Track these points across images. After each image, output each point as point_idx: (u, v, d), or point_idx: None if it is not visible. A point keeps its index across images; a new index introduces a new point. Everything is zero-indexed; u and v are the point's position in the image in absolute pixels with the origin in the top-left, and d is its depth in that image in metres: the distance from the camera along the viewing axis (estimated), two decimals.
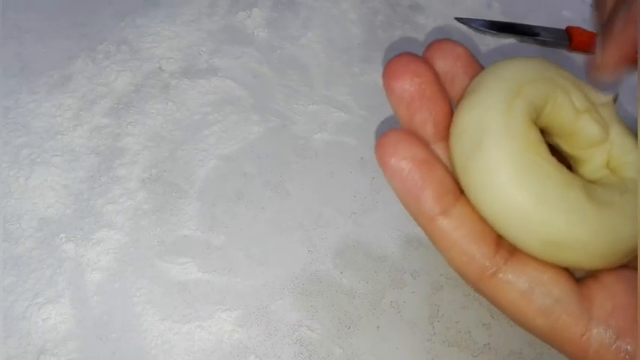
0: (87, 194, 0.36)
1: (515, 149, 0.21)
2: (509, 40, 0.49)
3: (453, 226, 0.22)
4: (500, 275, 0.22)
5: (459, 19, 0.49)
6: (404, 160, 0.21)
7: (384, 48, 0.47)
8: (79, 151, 0.38)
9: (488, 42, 0.48)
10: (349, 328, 0.33)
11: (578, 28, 0.48)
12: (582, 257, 0.21)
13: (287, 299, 0.34)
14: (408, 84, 0.22)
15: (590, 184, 0.22)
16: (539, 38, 0.48)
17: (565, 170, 0.22)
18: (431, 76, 0.22)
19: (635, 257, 0.22)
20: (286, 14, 0.48)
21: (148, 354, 0.31)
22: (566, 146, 0.24)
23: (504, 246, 0.22)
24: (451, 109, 0.23)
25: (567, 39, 0.48)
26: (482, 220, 0.22)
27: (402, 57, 0.22)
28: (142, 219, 0.36)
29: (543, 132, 0.23)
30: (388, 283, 0.35)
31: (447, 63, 0.23)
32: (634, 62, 0.23)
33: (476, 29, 0.48)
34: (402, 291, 0.35)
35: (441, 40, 0.24)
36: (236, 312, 0.33)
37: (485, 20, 0.49)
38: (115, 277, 0.34)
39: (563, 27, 0.49)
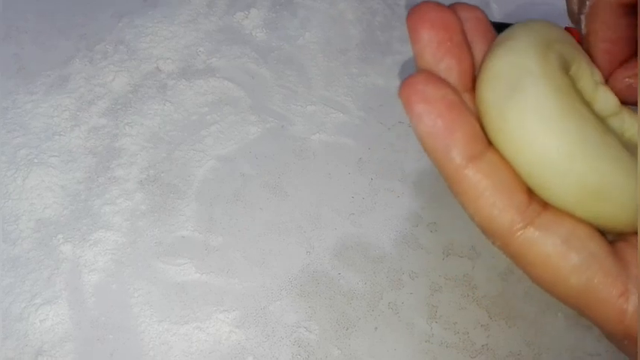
0: (84, 195, 0.36)
1: (555, 91, 0.20)
2: None
3: (484, 174, 0.20)
4: (532, 229, 0.20)
5: None
6: (433, 99, 0.20)
7: (383, 49, 0.47)
8: (77, 151, 0.38)
9: None
10: (347, 329, 0.33)
11: (577, 29, 0.48)
12: (620, 208, 0.21)
13: (285, 300, 0.34)
14: (436, 29, 0.21)
15: (620, 136, 0.22)
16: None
17: (599, 119, 0.21)
18: (458, 24, 0.21)
19: None
20: (284, 15, 0.48)
21: (146, 355, 0.31)
22: None
23: (536, 199, 0.21)
24: (474, 62, 0.22)
25: None
26: (514, 172, 0.21)
27: (429, 3, 0.21)
28: (139, 220, 0.36)
29: None
30: (386, 284, 0.35)
31: (467, 25, 0.22)
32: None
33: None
34: (400, 292, 0.35)
35: (462, 2, 0.22)
36: (234, 313, 0.33)
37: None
38: (113, 278, 0.34)
39: (562, 27, 0.49)
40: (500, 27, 0.48)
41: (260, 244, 0.36)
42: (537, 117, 0.20)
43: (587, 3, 0.21)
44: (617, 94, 0.22)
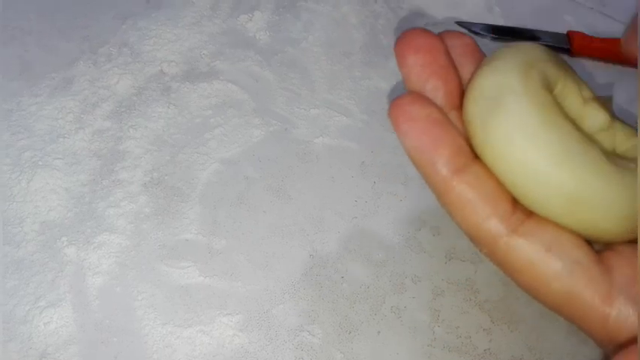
0: (88, 197, 0.37)
1: (536, 107, 0.21)
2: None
3: (468, 185, 0.21)
4: (516, 236, 0.21)
5: (459, 23, 0.49)
6: (419, 118, 0.21)
7: (386, 52, 0.47)
8: (81, 154, 0.38)
9: (489, 46, 0.48)
10: (350, 333, 0.34)
11: (579, 32, 0.48)
12: (602, 217, 0.21)
13: (288, 304, 0.34)
14: (421, 53, 0.22)
15: (602, 147, 0.23)
16: (540, 42, 0.48)
17: (582, 132, 0.22)
18: (443, 48, 0.22)
19: None
20: (287, 18, 0.48)
21: (150, 358, 0.32)
22: None
23: (520, 208, 0.22)
24: (461, 82, 0.23)
25: (568, 43, 0.48)
26: (498, 182, 0.21)
27: (415, 30, 0.22)
28: (143, 223, 0.36)
29: None
30: (389, 287, 0.35)
31: (455, 51, 0.23)
32: None
33: (477, 33, 0.49)
34: (403, 296, 0.35)
35: (450, 31, 0.24)
36: (237, 316, 0.33)
37: (486, 24, 0.49)
38: (117, 280, 0.34)
39: (564, 31, 0.49)
40: (501, 32, 0.48)
41: (263, 247, 0.36)
42: (519, 130, 0.21)
43: None
44: None
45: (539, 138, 0.21)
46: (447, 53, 0.23)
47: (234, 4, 0.48)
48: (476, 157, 0.22)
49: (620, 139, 0.24)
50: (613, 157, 0.23)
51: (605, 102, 0.24)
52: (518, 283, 0.22)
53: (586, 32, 0.48)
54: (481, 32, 0.48)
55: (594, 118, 0.24)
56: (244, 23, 0.47)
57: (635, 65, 0.21)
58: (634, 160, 0.23)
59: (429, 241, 0.37)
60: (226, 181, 0.38)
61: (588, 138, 0.22)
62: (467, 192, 0.21)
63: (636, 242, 0.23)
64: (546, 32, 0.49)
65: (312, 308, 0.34)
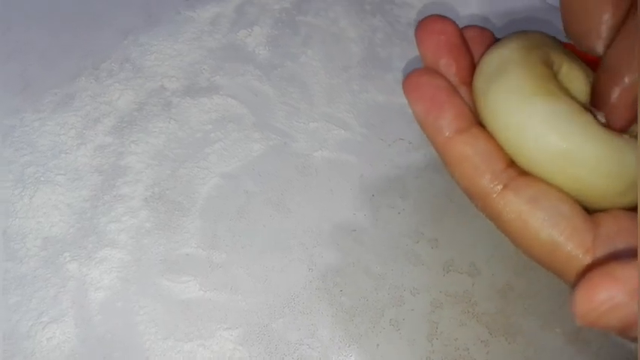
0: (90, 213, 0.37)
1: (533, 76, 0.23)
2: None
3: (467, 144, 0.23)
4: (506, 190, 0.23)
5: None
6: (427, 86, 0.24)
7: (384, 66, 0.48)
8: (83, 169, 0.39)
9: None
10: (349, 346, 0.34)
11: (573, 44, 0.49)
12: (590, 174, 0.22)
13: (288, 317, 0.34)
14: (437, 34, 0.25)
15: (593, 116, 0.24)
16: None
17: (577, 102, 0.23)
18: (457, 31, 0.25)
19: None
20: (286, 32, 0.49)
21: None
22: None
23: (515, 168, 0.23)
24: (473, 62, 0.25)
25: None
26: (496, 144, 0.24)
27: (433, 15, 0.25)
28: (144, 237, 0.36)
29: None
30: (388, 300, 0.36)
31: (472, 40, 0.26)
32: None
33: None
34: (401, 309, 0.36)
35: (470, 25, 0.27)
36: (237, 330, 0.34)
37: None
38: (118, 295, 0.34)
39: (557, 39, 0.50)
40: None
41: (263, 261, 0.36)
42: (515, 93, 0.23)
43: (621, 79, 0.23)
44: None
45: (532, 100, 0.22)
46: (462, 36, 0.25)
47: (233, 20, 0.49)
48: (478, 123, 0.24)
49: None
50: (606, 128, 0.23)
51: None
52: (509, 237, 0.24)
53: None
54: None
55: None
56: (244, 38, 0.48)
57: None
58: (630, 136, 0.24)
59: (427, 254, 0.38)
60: (226, 196, 0.39)
61: (581, 106, 0.23)
62: (465, 150, 0.23)
63: (632, 209, 0.24)
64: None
65: (312, 322, 0.34)
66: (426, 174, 0.41)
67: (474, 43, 0.26)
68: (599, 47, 0.24)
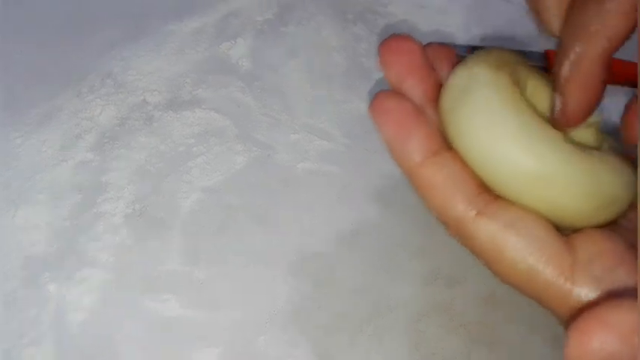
0: (71, 231, 0.37)
1: (501, 95, 0.22)
2: None
3: (437, 168, 0.23)
4: (481, 216, 0.22)
5: (438, 45, 0.49)
6: (394, 110, 0.23)
7: (367, 75, 0.48)
8: (64, 187, 0.39)
9: None
10: None
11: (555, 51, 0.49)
12: (563, 195, 0.22)
13: (269, 334, 0.34)
14: (400, 54, 0.24)
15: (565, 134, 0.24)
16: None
17: (543, 121, 0.23)
18: (420, 50, 0.24)
19: (614, 223, 0.23)
20: (269, 43, 0.49)
21: None
22: None
23: (487, 192, 0.23)
24: (439, 82, 0.25)
25: (546, 62, 0.49)
26: (466, 167, 0.23)
27: (397, 35, 0.24)
28: (125, 255, 0.36)
29: None
30: (369, 314, 0.36)
31: (436, 60, 0.25)
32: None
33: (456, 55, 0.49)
34: (384, 321, 0.35)
35: (432, 43, 0.26)
36: (219, 348, 0.33)
37: (464, 45, 0.49)
38: (98, 316, 0.34)
39: (542, 50, 0.50)
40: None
41: (245, 277, 0.36)
42: (483, 114, 0.22)
43: (576, 49, 0.22)
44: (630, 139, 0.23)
45: (501, 120, 0.22)
46: (425, 56, 0.25)
47: (216, 32, 0.49)
48: (448, 146, 0.24)
49: (600, 137, 0.25)
50: (579, 144, 0.23)
51: (594, 123, 0.25)
52: (486, 264, 0.23)
53: None
54: (460, 54, 0.49)
55: None
56: (227, 50, 0.48)
57: None
58: (603, 151, 0.24)
59: (409, 265, 0.37)
60: (208, 210, 0.39)
61: (550, 125, 0.23)
62: (436, 175, 0.23)
63: (603, 227, 0.23)
64: (524, 51, 0.49)
65: (293, 338, 0.34)
66: (409, 184, 0.41)
67: (437, 62, 0.25)
68: (555, 25, 0.24)
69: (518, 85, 0.24)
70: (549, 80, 0.25)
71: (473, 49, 0.49)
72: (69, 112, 0.43)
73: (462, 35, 0.51)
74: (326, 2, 0.52)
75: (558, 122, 0.24)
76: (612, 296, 0.20)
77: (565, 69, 0.22)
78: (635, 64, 0.47)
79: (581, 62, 0.22)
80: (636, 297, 0.19)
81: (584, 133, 0.25)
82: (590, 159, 0.22)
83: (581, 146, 0.23)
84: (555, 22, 0.23)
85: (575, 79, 0.22)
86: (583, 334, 0.19)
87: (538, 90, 0.24)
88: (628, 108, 0.24)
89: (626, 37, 0.22)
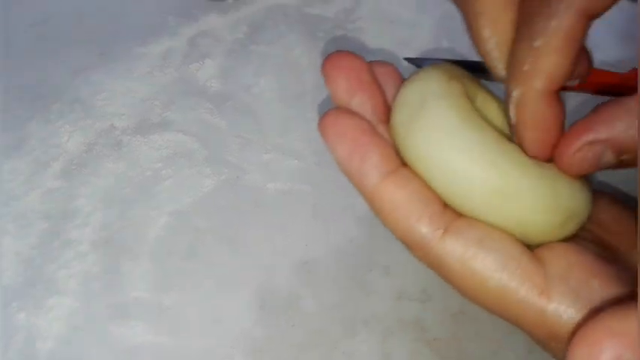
0: (38, 260, 0.37)
1: (455, 110, 0.22)
2: None
3: (397, 187, 0.22)
4: (447, 235, 0.21)
5: (408, 60, 0.50)
6: (346, 128, 0.22)
7: None
8: (31, 216, 0.39)
9: None
10: None
11: None
12: (527, 209, 0.22)
13: (238, 358, 0.34)
14: (347, 71, 0.23)
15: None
16: (488, 75, 0.49)
17: (498, 135, 0.23)
18: (367, 67, 0.24)
19: (575, 236, 0.23)
20: (239, 63, 0.49)
21: None
22: None
23: (450, 210, 0.22)
24: (387, 99, 0.24)
25: None
26: (427, 185, 0.22)
27: (341, 52, 0.24)
28: (92, 283, 0.36)
29: None
30: (340, 332, 0.36)
31: (380, 77, 0.25)
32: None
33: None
34: (354, 340, 0.35)
35: (374, 61, 0.26)
36: None
37: (434, 59, 0.50)
38: (66, 345, 0.34)
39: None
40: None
41: (214, 301, 0.36)
42: (439, 130, 0.22)
43: (514, 94, 0.22)
44: (569, 169, 0.23)
45: (459, 137, 0.22)
46: (372, 72, 0.24)
47: (185, 53, 0.49)
48: (404, 164, 0.23)
49: None
50: (536, 160, 0.23)
51: None
52: (455, 286, 0.23)
53: None
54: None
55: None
56: (195, 71, 0.48)
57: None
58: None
59: (380, 282, 0.38)
60: (176, 234, 0.39)
61: (508, 138, 0.23)
62: (396, 195, 0.22)
63: (567, 241, 0.23)
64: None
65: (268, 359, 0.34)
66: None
67: (381, 80, 0.25)
68: (500, 68, 0.23)
69: (469, 99, 0.24)
70: (493, 94, 0.25)
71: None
72: (37, 140, 0.43)
73: (433, 49, 0.52)
74: (296, 20, 0.52)
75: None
76: (616, 303, 0.20)
77: (511, 112, 0.22)
78: (614, 74, 0.48)
79: (524, 104, 0.21)
80: (634, 303, 0.19)
81: None
82: (550, 172, 0.22)
83: (539, 161, 0.23)
84: (500, 64, 0.23)
85: (523, 121, 0.22)
86: (592, 345, 0.18)
87: (487, 102, 0.24)
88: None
89: (568, 70, 0.21)
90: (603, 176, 0.38)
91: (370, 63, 0.25)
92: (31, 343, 0.34)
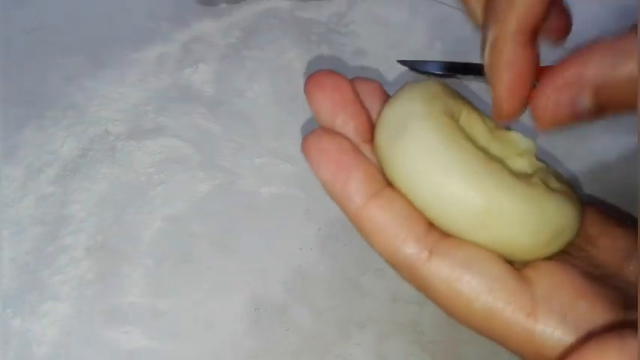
0: (33, 266, 0.37)
1: (439, 129, 0.22)
2: (451, 80, 0.50)
3: (382, 208, 0.22)
4: (433, 257, 0.21)
5: (402, 62, 0.50)
6: (329, 149, 0.22)
7: None
8: (25, 222, 0.39)
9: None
10: None
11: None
12: (513, 230, 0.21)
13: None
14: (330, 90, 0.23)
15: (505, 165, 0.23)
16: (481, 77, 0.49)
17: (489, 154, 0.23)
18: (350, 86, 0.24)
19: (563, 252, 0.23)
20: (233, 68, 0.49)
21: None
22: None
23: (436, 230, 0.22)
24: (371, 118, 0.24)
25: None
26: (412, 206, 0.22)
27: (323, 71, 0.24)
28: (86, 288, 0.36)
29: None
30: (335, 335, 0.36)
31: (364, 95, 0.25)
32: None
33: (419, 71, 0.50)
34: (349, 343, 0.36)
35: (358, 77, 0.25)
36: None
37: (427, 61, 0.50)
38: (62, 349, 0.34)
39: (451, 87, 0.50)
40: (443, 68, 0.48)
41: (208, 305, 0.36)
42: (423, 151, 0.22)
43: (489, 37, 0.22)
44: (545, 120, 0.22)
45: (443, 157, 0.21)
46: (355, 91, 0.24)
47: (179, 58, 0.49)
48: (389, 184, 0.23)
49: (530, 164, 0.25)
50: (520, 174, 0.23)
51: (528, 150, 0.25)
52: (442, 307, 0.22)
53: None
54: (423, 69, 0.49)
55: (502, 143, 0.25)
56: (189, 76, 0.48)
57: None
58: (542, 181, 0.24)
59: (374, 285, 0.38)
60: (170, 240, 0.39)
61: (491, 157, 0.23)
62: (381, 217, 0.22)
63: (552, 259, 0.23)
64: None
65: None
66: None
67: (365, 97, 0.24)
68: (478, 12, 0.23)
69: (453, 117, 0.23)
70: (478, 110, 0.25)
71: (435, 66, 0.50)
72: (31, 146, 0.43)
73: (426, 51, 0.52)
74: (289, 24, 0.52)
75: (496, 117, 0.23)
76: (611, 329, 0.20)
77: (486, 56, 0.22)
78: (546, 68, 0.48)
79: (497, 45, 0.21)
80: (633, 328, 0.18)
81: (521, 162, 0.25)
82: (536, 191, 0.22)
83: (523, 177, 0.23)
84: (478, 9, 0.23)
85: (496, 63, 0.21)
86: None
87: (471, 119, 0.24)
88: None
89: (540, 11, 0.21)
90: (589, 189, 0.38)
91: (354, 80, 0.25)
92: (26, 348, 0.34)
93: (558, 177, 0.25)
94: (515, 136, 0.25)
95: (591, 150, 0.42)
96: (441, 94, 0.24)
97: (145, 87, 0.47)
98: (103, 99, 0.46)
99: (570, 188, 0.25)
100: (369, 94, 0.25)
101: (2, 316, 0.35)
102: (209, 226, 0.40)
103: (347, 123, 0.23)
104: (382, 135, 0.23)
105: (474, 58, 0.50)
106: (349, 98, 0.24)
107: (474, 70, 0.50)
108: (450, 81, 0.50)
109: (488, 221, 0.21)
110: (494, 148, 0.25)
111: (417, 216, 0.22)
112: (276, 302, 0.37)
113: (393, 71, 0.50)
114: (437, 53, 0.52)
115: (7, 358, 0.34)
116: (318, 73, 0.24)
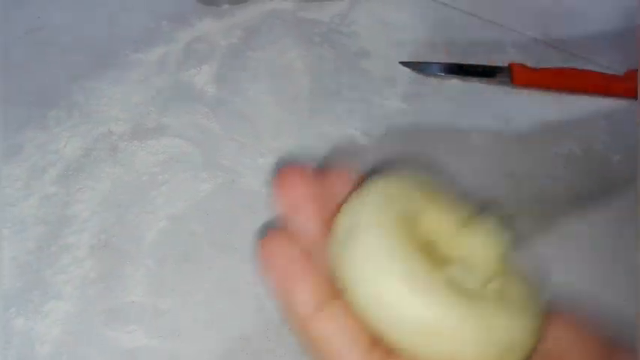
0: (36, 265, 0.37)
1: (386, 240, 0.21)
2: (453, 81, 0.50)
3: (327, 321, 0.21)
4: None
5: (403, 63, 0.50)
6: (277, 257, 0.22)
7: (332, 97, 0.48)
8: (28, 221, 0.39)
9: (433, 84, 0.49)
10: None
11: (519, 64, 0.50)
12: (461, 346, 0.21)
13: None
14: (293, 187, 0.23)
15: (455, 277, 0.22)
16: (483, 78, 0.50)
17: (431, 264, 0.22)
18: (315, 181, 0.23)
19: None
20: (235, 68, 0.49)
21: None
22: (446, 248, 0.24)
23: (380, 346, 0.21)
24: (338, 210, 0.24)
25: (510, 75, 0.49)
26: (356, 319, 0.21)
27: (289, 167, 0.23)
28: (89, 288, 0.36)
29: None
30: None
31: (334, 186, 0.24)
32: None
33: (420, 72, 0.50)
34: None
35: (331, 168, 0.25)
36: None
37: (429, 63, 0.50)
38: (64, 348, 0.34)
39: (507, 64, 0.50)
40: (444, 69, 0.47)
41: (210, 305, 0.36)
42: (368, 262, 0.21)
43: None
44: None
45: (387, 270, 0.21)
46: (321, 185, 0.24)
47: (181, 59, 0.49)
48: (338, 293, 0.22)
49: (491, 268, 0.23)
50: (471, 285, 0.22)
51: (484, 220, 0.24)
52: None
53: (527, 64, 0.50)
54: (425, 71, 0.50)
55: (468, 241, 0.23)
56: (192, 77, 0.48)
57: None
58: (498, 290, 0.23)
59: None
60: (173, 239, 0.39)
61: (436, 269, 0.21)
62: (326, 329, 0.21)
63: None
64: (488, 66, 0.50)
65: None
66: None
67: (334, 188, 0.24)
68: None
69: (410, 219, 0.22)
70: (444, 202, 0.24)
71: (436, 67, 0.50)
72: (34, 146, 0.43)
73: (427, 51, 0.52)
74: (291, 25, 0.52)
75: None
76: None
77: None
78: (611, 75, 0.48)
79: None
80: None
81: (481, 264, 0.23)
82: (483, 304, 0.21)
83: (473, 289, 0.22)
84: None
85: None
86: None
87: (435, 217, 0.23)
88: None
89: None
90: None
91: (323, 172, 0.24)
92: (29, 347, 0.34)
93: (523, 281, 0.24)
94: (485, 232, 0.23)
95: None
96: (397, 195, 0.23)
97: (148, 87, 0.47)
98: (106, 99, 0.46)
99: (534, 295, 0.23)
100: (338, 185, 0.24)
101: (5, 315, 0.35)
102: (210, 226, 0.40)
103: (308, 220, 0.23)
104: (334, 241, 0.22)
105: (473, 57, 0.51)
106: (312, 194, 0.23)
107: (476, 71, 0.50)
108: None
109: (431, 335, 0.21)
110: (456, 248, 0.23)
111: (362, 330, 0.21)
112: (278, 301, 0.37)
113: (395, 72, 0.50)
114: (439, 54, 0.52)
115: (9, 357, 0.34)
116: (283, 170, 0.23)
